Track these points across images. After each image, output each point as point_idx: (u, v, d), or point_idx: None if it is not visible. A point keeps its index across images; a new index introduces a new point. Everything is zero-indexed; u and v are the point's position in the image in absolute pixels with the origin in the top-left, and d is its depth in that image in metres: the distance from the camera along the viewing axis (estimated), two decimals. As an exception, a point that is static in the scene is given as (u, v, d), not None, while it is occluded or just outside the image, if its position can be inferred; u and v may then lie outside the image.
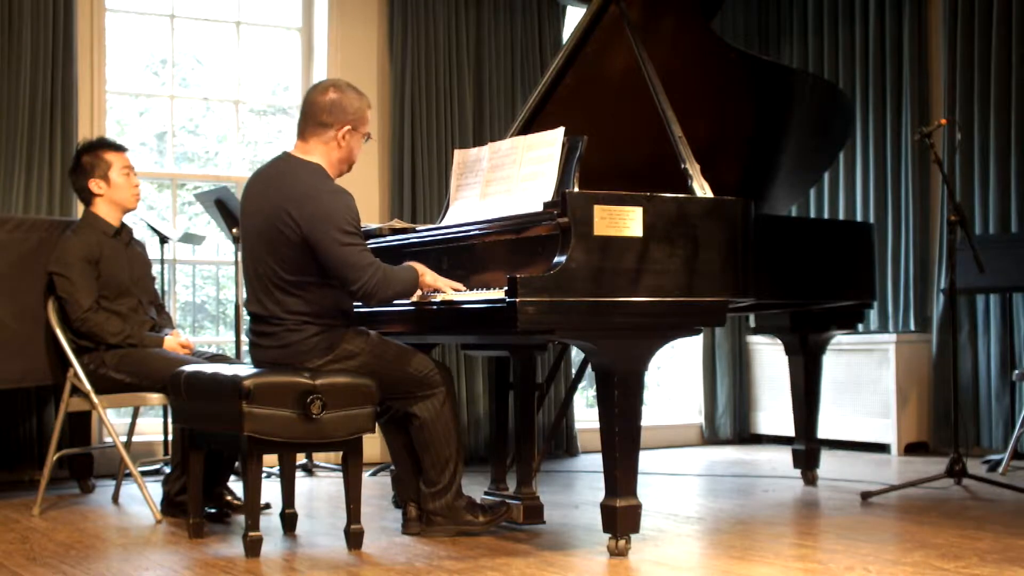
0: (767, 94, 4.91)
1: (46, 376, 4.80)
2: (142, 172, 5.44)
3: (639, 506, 3.72)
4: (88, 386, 4.52)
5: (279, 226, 3.78)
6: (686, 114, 4.19)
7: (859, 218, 6.93)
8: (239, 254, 5.75)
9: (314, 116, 3.90)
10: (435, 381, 3.97)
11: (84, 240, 4.67)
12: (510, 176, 4.10)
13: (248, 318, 4.01)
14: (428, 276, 3.91)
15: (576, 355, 6.08)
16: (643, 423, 3.77)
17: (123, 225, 4.84)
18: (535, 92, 4.63)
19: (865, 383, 6.67)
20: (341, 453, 3.85)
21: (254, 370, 3.82)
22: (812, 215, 7.19)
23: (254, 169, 4.25)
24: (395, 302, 4.15)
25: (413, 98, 6.48)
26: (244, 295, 4.03)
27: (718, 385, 7.36)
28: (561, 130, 3.97)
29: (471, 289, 3.90)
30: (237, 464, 4.53)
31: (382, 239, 4.41)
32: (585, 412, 7.25)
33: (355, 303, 4.01)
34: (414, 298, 3.95)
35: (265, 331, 3.89)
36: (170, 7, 6.37)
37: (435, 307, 3.92)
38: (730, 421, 7.35)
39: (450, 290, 3.89)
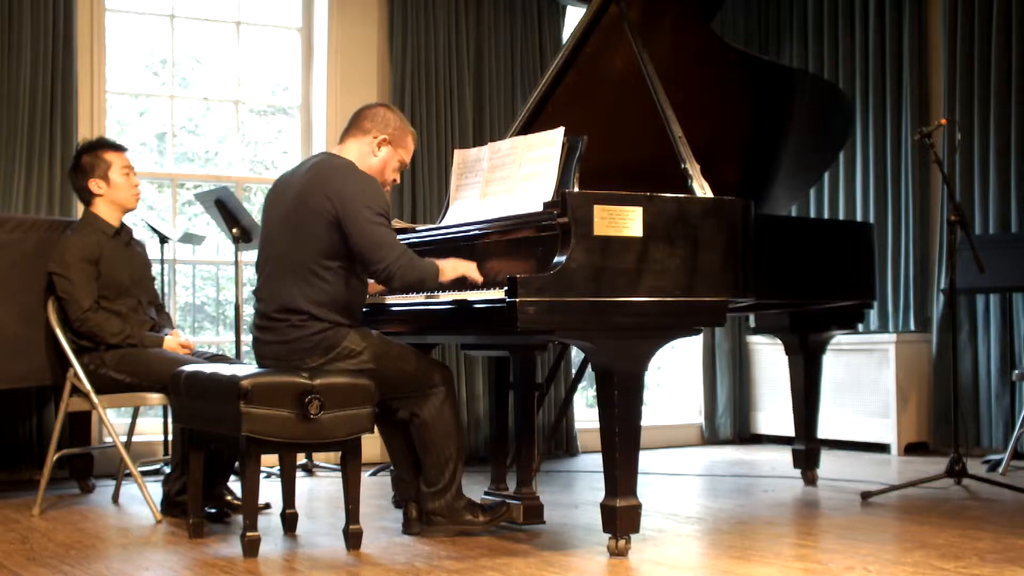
0: (767, 94, 4.91)
1: (46, 376, 4.79)
2: (142, 172, 5.44)
3: (639, 506, 3.72)
4: (88, 386, 4.52)
5: (313, 206, 3.82)
6: (686, 114, 4.19)
7: (859, 218, 6.92)
8: (239, 254, 5.75)
9: (357, 123, 4.05)
10: (435, 380, 3.97)
11: (84, 240, 4.67)
12: (510, 176, 4.09)
13: (253, 313, 4.01)
14: (448, 270, 3.90)
15: (576, 355, 6.08)
16: (643, 423, 3.77)
17: (123, 225, 4.84)
18: (535, 92, 4.63)
19: (865, 383, 6.67)
20: (340, 453, 3.85)
21: (253, 370, 3.82)
22: (812, 215, 7.19)
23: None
24: (394, 305, 4.15)
25: (413, 98, 6.48)
26: (245, 294, 4.03)
27: (718, 385, 7.36)
28: (561, 130, 3.97)
29: (471, 289, 3.89)
30: (237, 464, 4.53)
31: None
32: (585, 412, 7.25)
33: (371, 289, 4.03)
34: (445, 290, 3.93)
35: (269, 326, 3.90)
36: (170, 7, 6.36)
37: (435, 307, 3.92)
38: (730, 421, 7.35)
39: (472, 272, 3.88)
